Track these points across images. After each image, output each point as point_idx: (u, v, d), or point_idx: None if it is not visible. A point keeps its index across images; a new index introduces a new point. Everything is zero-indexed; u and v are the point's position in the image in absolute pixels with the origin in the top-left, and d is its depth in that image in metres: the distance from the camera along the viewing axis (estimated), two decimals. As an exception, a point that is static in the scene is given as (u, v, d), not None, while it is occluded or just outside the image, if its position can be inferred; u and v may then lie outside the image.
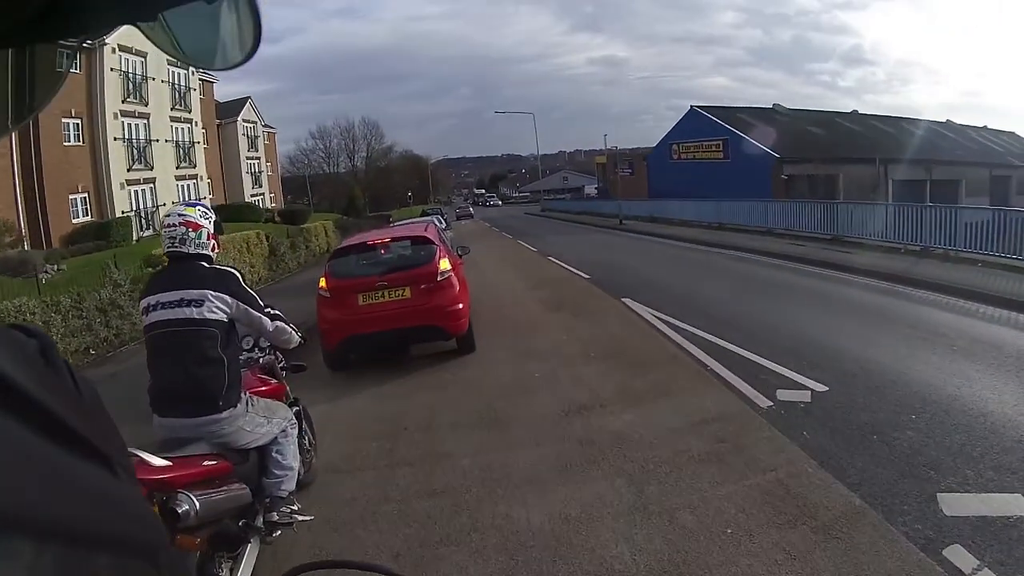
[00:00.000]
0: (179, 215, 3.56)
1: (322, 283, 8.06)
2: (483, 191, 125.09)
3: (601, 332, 9.03)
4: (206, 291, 3.45)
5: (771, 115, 41.14)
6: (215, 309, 3.45)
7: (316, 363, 8.16)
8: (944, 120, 47.72)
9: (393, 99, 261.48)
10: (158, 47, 0.63)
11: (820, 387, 5.97)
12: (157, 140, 30.23)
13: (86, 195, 26.28)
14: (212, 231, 3.64)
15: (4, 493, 0.30)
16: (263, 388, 4.22)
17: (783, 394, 5.88)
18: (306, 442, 4.81)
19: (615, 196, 39.81)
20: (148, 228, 28.91)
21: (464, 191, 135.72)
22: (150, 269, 13.71)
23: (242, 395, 3.58)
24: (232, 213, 34.74)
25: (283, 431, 3.89)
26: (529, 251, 22.97)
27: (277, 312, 3.79)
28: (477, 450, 5.39)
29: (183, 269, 3.52)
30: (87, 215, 26.13)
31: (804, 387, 6.01)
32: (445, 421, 6.18)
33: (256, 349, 4.50)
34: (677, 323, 8.92)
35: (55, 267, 17.97)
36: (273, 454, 3.83)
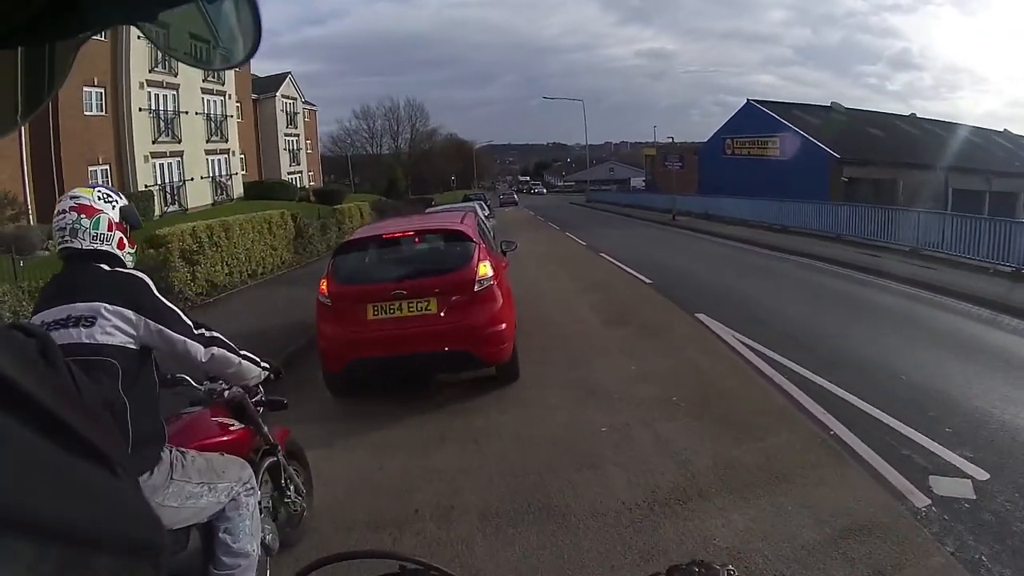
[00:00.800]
0: (71, 198, 2.66)
1: (322, 287, 6.26)
2: (527, 178, 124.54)
3: (680, 364, 7.08)
4: (99, 304, 2.48)
5: (829, 114, 39.10)
6: (111, 330, 2.48)
7: (313, 387, 6.56)
8: (1002, 129, 45.04)
9: (437, 84, 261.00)
10: (158, 47, 0.63)
11: (979, 472, 4.33)
12: (186, 112, 28.97)
13: (107, 167, 25.01)
14: (117, 220, 2.65)
15: (4, 493, 0.30)
16: (216, 439, 3.05)
17: (939, 484, 4.20)
18: (290, 493, 3.66)
19: (663, 189, 38.61)
20: (173, 203, 27.86)
21: (508, 178, 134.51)
22: (152, 251, 12.17)
23: (164, 454, 2.63)
24: (263, 190, 34.43)
25: (234, 500, 2.87)
26: (578, 245, 21.14)
27: (215, 334, 2.74)
28: (517, 568, 3.56)
29: (73, 273, 2.60)
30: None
31: (960, 471, 4.37)
32: (473, 503, 4.32)
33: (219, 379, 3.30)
34: (773, 356, 6.99)
35: None
36: (220, 535, 2.85)
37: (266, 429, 3.35)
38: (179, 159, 28.68)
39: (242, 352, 2.85)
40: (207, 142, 31.51)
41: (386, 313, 5.92)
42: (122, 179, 25.31)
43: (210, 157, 31.82)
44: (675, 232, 25.08)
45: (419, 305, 5.92)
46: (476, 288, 6.00)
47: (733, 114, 41.90)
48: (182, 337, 2.60)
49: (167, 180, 28.01)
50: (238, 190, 34.26)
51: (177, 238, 12.60)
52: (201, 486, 2.72)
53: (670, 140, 42.14)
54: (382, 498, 4.48)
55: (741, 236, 20.97)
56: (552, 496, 4.30)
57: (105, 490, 0.38)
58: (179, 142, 28.39)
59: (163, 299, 2.60)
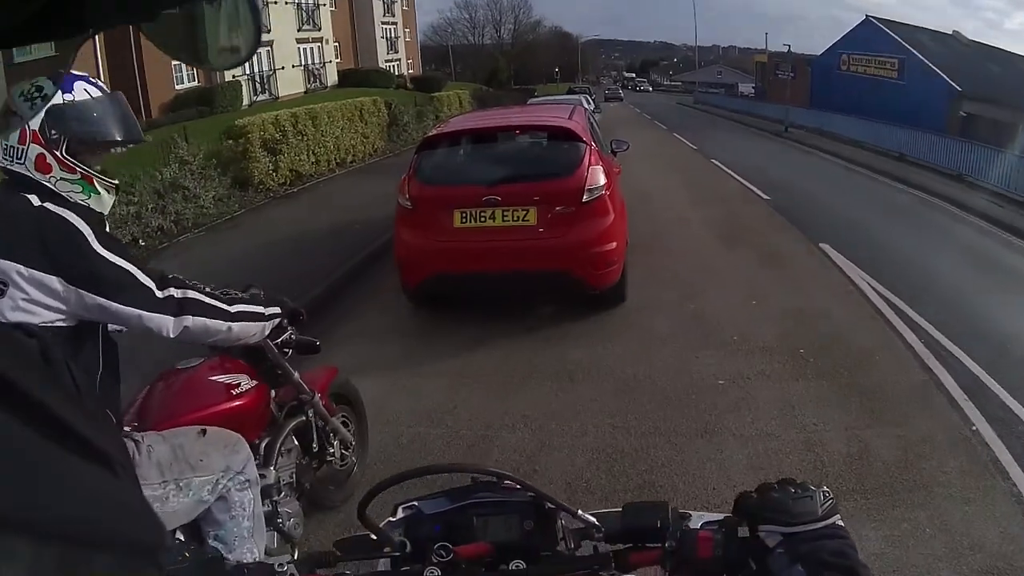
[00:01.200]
0: None
1: (403, 186, 5.43)
2: (633, 75, 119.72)
3: (806, 305, 6.01)
4: (11, 265, 1.68)
5: (950, 42, 35.65)
6: (27, 305, 1.69)
7: (390, 297, 5.96)
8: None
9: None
10: (158, 47, 0.62)
11: None
12: (275, 2, 27.91)
13: (191, 59, 24.19)
14: (35, 127, 1.78)
15: (4, 493, 0.30)
16: (213, 409, 2.28)
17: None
18: (333, 450, 2.93)
19: (773, 99, 36.40)
20: (263, 92, 27.27)
21: (613, 73, 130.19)
22: (231, 142, 11.68)
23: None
24: (359, 78, 33.79)
25: (222, 498, 2.17)
26: (688, 148, 19.67)
27: (190, 294, 1.94)
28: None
29: None
30: (193, 80, 24.30)
31: None
32: (559, 469, 3.58)
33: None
34: (909, 313, 5.80)
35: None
36: (210, 542, 2.17)
37: (297, 376, 2.59)
38: (268, 49, 27.80)
39: (238, 304, 2.08)
40: (298, 31, 30.48)
41: (476, 222, 5.06)
42: (207, 71, 24.21)
43: (302, 46, 30.85)
44: (788, 145, 23.08)
45: (515, 215, 5.03)
46: (585, 198, 5.05)
47: (850, 29, 38.71)
48: (136, 310, 1.84)
49: (255, 70, 27.25)
50: (332, 78, 33.43)
51: (258, 128, 12.07)
52: (164, 486, 2.02)
53: (786, 48, 38.67)
54: (452, 450, 3.76)
55: (857, 159, 18.99)
56: (656, 472, 3.52)
57: (105, 490, 0.38)
58: (268, 31, 27.37)
59: (107, 254, 1.82)
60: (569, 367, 4.72)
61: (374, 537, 1.04)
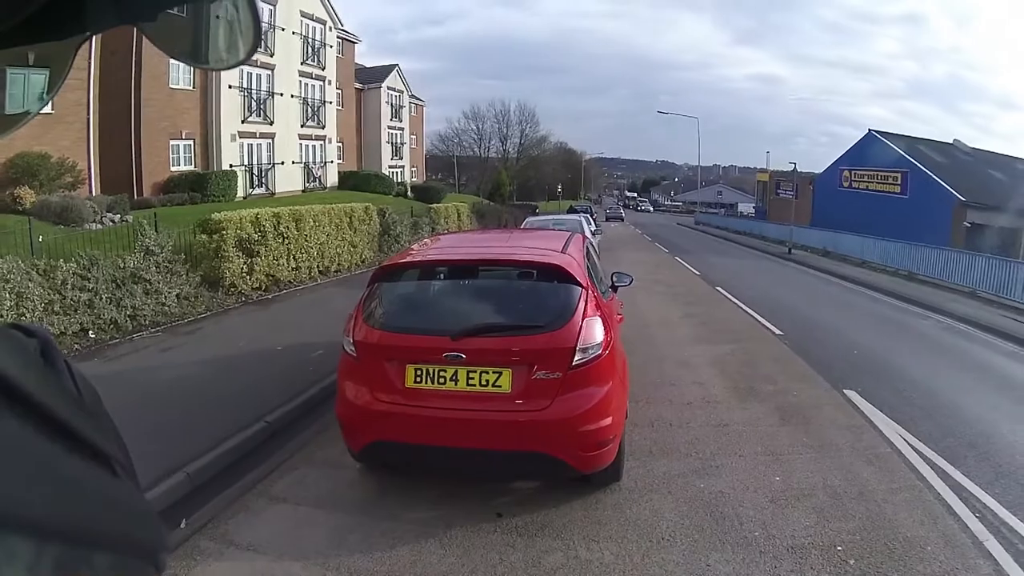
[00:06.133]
0: None
1: (349, 326, 4.43)
2: (635, 194, 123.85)
3: (838, 479, 4.91)
4: None
5: (951, 151, 36.20)
6: None
7: (334, 451, 5.02)
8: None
9: (549, 91, 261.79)
10: (158, 47, 0.62)
11: None
12: (281, 94, 27.93)
13: (191, 143, 24.09)
14: None
15: (4, 493, 0.31)
16: None
17: None
18: None
19: (775, 218, 37.01)
20: (260, 186, 26.92)
21: (615, 192, 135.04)
22: (204, 236, 10.94)
23: None
24: (358, 181, 33.85)
25: None
26: (690, 273, 18.92)
27: None
28: None
29: None
30: (190, 164, 23.98)
31: None
32: None
33: None
34: (965, 484, 4.83)
35: (118, 217, 15.42)
36: None
37: None
38: (269, 141, 27.69)
39: None
40: (302, 126, 30.44)
41: (433, 383, 4.01)
42: (207, 156, 24.49)
43: (304, 142, 30.78)
44: (794, 269, 22.57)
45: (484, 378, 3.97)
46: (576, 361, 3.99)
47: (852, 144, 39.25)
48: None
49: (254, 161, 27.05)
50: (332, 178, 33.31)
51: (234, 225, 11.35)
52: None
53: (792, 166, 38.96)
54: None
55: (866, 280, 18.54)
56: None
57: (105, 490, 0.39)
58: (271, 124, 27.40)
59: None
60: (543, 577, 3.60)
61: None
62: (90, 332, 8.21)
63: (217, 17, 0.62)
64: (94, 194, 17.09)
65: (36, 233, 9.52)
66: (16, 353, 0.39)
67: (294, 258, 12.91)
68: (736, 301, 13.29)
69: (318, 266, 13.89)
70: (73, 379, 0.44)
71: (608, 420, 4.04)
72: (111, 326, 8.51)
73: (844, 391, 7.01)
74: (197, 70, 23.48)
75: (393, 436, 4.07)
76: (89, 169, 17.72)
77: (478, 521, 4.15)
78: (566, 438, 3.93)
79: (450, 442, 3.94)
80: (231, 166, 24.70)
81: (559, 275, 4.38)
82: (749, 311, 12.05)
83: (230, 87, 24.95)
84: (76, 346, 7.92)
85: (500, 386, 3.95)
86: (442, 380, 3.99)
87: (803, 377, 7.68)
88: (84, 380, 0.45)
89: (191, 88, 23.85)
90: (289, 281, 12.67)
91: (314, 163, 31.80)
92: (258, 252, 11.72)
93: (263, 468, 5.01)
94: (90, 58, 16.41)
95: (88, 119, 17.35)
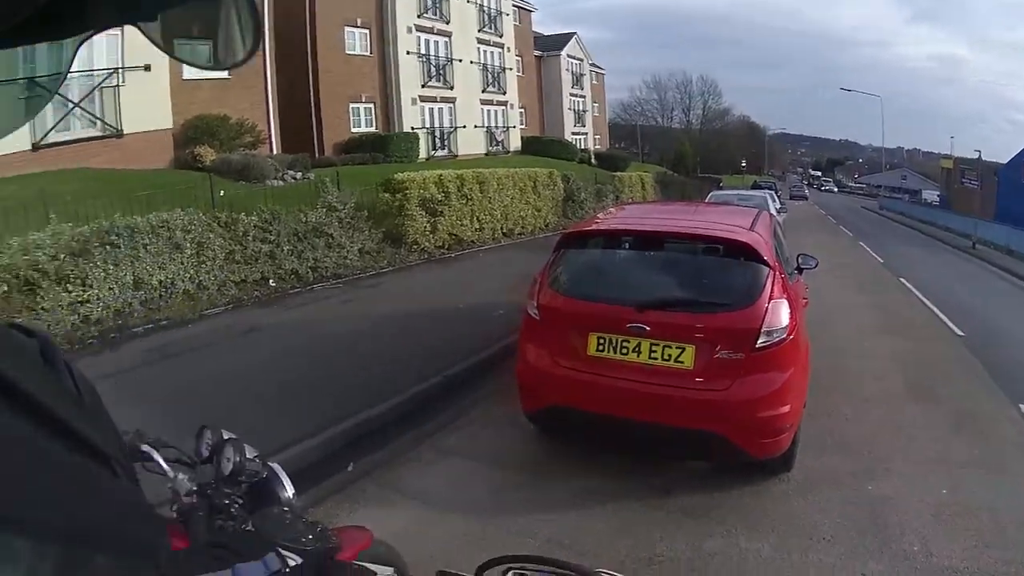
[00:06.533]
0: None
1: (533, 291, 4.50)
2: (819, 173, 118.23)
3: (1007, 499, 4.36)
4: None
5: None
6: None
7: (509, 411, 4.99)
8: None
9: (726, 64, 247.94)
10: (158, 46, 0.62)
11: None
12: (460, 60, 28.62)
13: (371, 106, 25.12)
14: None
15: (4, 493, 0.30)
16: None
17: None
18: None
19: (958, 208, 34.54)
20: (442, 148, 27.65)
21: (799, 169, 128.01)
22: (387, 195, 11.47)
23: None
24: (541, 146, 33.85)
25: None
26: (873, 260, 17.70)
27: None
28: None
29: None
30: (371, 126, 25.02)
31: None
32: None
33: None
34: None
35: (300, 175, 16.13)
36: None
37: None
38: (451, 105, 28.43)
39: None
40: (483, 92, 30.97)
41: (615, 352, 4.00)
42: (387, 118, 25.41)
43: (485, 107, 31.27)
44: (977, 265, 20.28)
45: (666, 352, 3.91)
46: (760, 343, 3.85)
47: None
48: None
49: (436, 124, 27.77)
50: (515, 143, 33.59)
51: (417, 185, 11.82)
52: None
53: (977, 154, 35.09)
54: None
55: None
56: None
57: (105, 490, 0.39)
58: (451, 88, 28.15)
59: None
60: (699, 564, 3.53)
61: None
62: (271, 281, 8.85)
63: (217, 17, 0.62)
64: (274, 153, 18.06)
65: (217, 188, 10.16)
66: (16, 353, 0.39)
67: (477, 219, 13.23)
68: (919, 294, 12.19)
69: (501, 228, 14.15)
70: (73, 379, 0.44)
71: (787, 407, 3.89)
72: (292, 276, 9.09)
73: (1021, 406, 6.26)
74: (373, 38, 24.83)
75: (570, 402, 4.12)
76: (269, 129, 18.75)
77: (644, 496, 4.12)
78: (744, 421, 3.82)
79: (627, 413, 3.93)
80: (412, 129, 25.52)
81: (746, 253, 4.21)
82: (932, 307, 11.00)
83: (408, 53, 25.73)
84: (256, 293, 8.56)
85: (682, 362, 3.89)
86: (624, 351, 3.98)
87: (983, 386, 6.88)
88: (84, 380, 0.46)
89: (368, 54, 24.81)
90: (472, 241, 13.00)
91: (496, 127, 32.19)
92: (441, 212, 12.10)
93: (438, 421, 5.21)
94: (264, 23, 17.53)
95: (266, 83, 18.40)
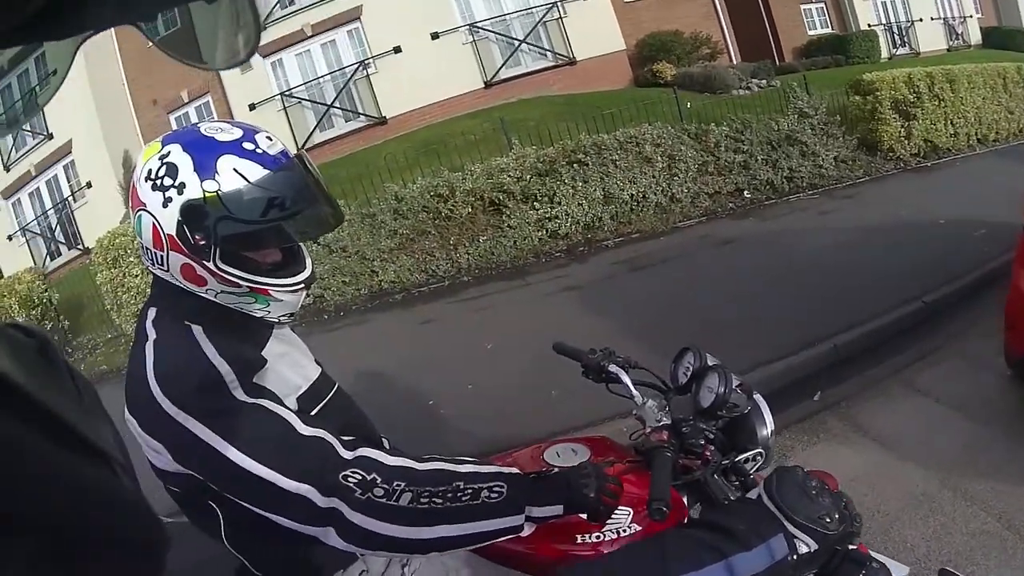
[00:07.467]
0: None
1: None
2: None
3: None
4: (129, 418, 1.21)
5: None
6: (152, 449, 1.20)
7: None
8: None
9: None
10: (158, 46, 0.62)
11: None
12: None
13: (822, 5, 23.20)
14: (171, 229, 1.19)
15: (4, 492, 0.31)
16: None
17: None
18: None
19: None
20: (903, 46, 24.60)
21: None
22: (857, 98, 10.62)
23: None
24: (1002, 37, 28.42)
25: None
26: None
27: (365, 453, 1.22)
28: None
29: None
30: (826, 27, 23.19)
31: None
32: None
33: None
34: None
35: (764, 83, 15.49)
36: None
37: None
38: (906, -5, 25.11)
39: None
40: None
41: None
42: (841, 18, 23.36)
43: (955, -7, 26.93)
44: None
45: None
46: None
47: None
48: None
49: (892, 19, 24.70)
50: (974, 36, 28.58)
51: (888, 85, 10.66)
52: None
53: None
54: None
55: None
56: None
57: (105, 489, 0.38)
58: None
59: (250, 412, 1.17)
60: None
61: None
62: (745, 192, 8.65)
63: (218, 17, 0.59)
64: (734, 63, 17.76)
65: (683, 101, 10.11)
66: (16, 353, 0.38)
67: (951, 123, 11.61)
68: None
69: (975, 133, 12.25)
70: (73, 379, 0.43)
71: None
72: (767, 187, 8.85)
73: None
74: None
75: None
76: (724, 39, 18.46)
77: None
78: None
79: None
80: (869, 26, 23.20)
81: None
82: None
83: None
84: (731, 205, 8.54)
85: None
86: None
87: None
88: (83, 380, 0.44)
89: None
90: (947, 148, 11.50)
91: (952, 18, 27.76)
92: (914, 115, 10.83)
93: (910, 353, 4.62)
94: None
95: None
